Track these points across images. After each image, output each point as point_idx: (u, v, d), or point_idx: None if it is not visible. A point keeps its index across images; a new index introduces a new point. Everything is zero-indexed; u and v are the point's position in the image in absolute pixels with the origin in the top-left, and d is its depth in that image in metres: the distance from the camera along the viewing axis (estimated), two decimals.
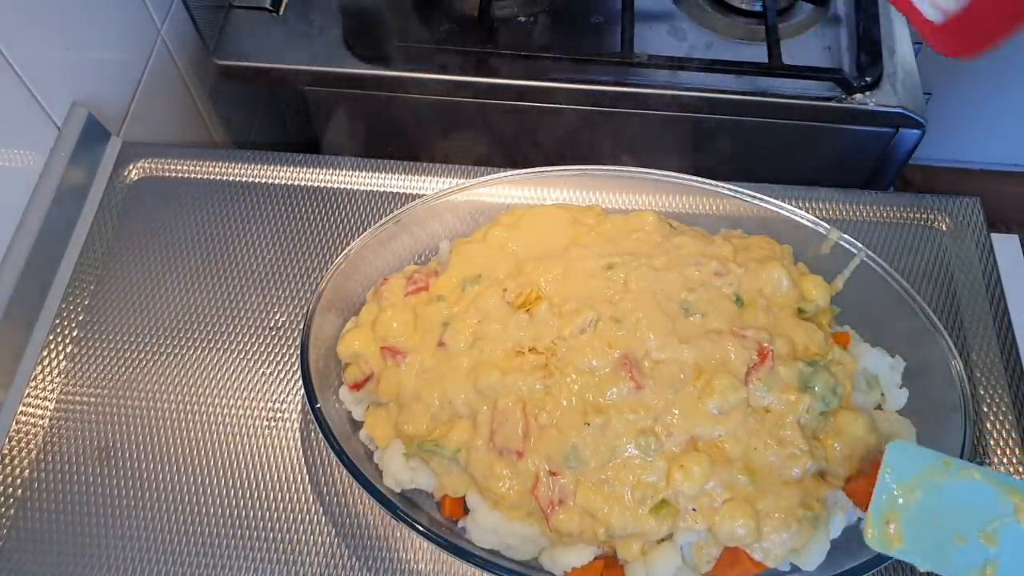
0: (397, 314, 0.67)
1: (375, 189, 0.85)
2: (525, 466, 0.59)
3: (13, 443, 0.70)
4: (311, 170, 0.86)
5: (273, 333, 0.76)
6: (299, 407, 0.72)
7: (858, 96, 0.95)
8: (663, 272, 0.65)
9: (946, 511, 0.53)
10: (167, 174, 0.86)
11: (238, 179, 0.85)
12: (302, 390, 0.66)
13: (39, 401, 0.72)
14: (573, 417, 0.59)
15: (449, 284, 0.67)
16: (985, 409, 0.71)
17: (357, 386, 0.67)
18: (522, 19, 1.04)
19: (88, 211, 0.82)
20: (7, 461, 0.69)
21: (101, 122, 0.84)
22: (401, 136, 1.10)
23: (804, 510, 0.57)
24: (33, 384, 0.73)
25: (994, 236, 0.80)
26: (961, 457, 0.58)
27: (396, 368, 0.64)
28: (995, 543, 0.52)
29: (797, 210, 0.71)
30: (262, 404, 0.72)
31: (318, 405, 0.63)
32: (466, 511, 0.62)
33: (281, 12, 1.04)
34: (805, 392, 0.60)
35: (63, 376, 0.74)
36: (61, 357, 0.75)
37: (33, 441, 0.70)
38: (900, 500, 0.53)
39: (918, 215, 0.82)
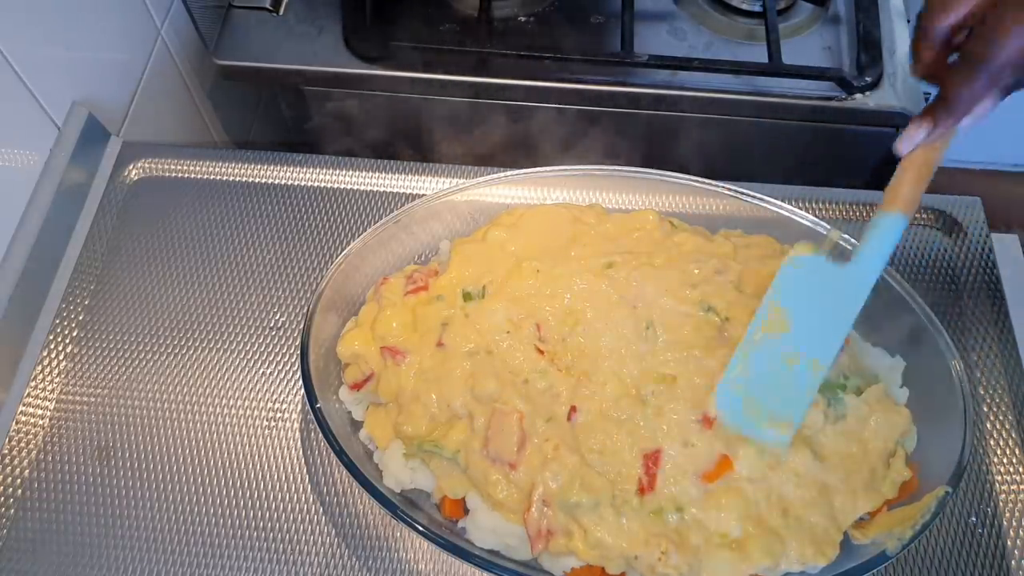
0: (397, 314, 0.67)
1: (375, 189, 0.85)
2: (519, 476, 0.59)
3: (13, 443, 0.70)
4: (311, 170, 0.86)
5: (273, 333, 0.76)
6: (299, 407, 0.72)
7: (858, 96, 0.95)
8: (663, 270, 0.65)
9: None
10: (167, 174, 0.86)
11: (238, 179, 0.85)
12: (302, 390, 0.66)
13: (39, 401, 0.72)
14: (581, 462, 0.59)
15: (449, 284, 0.67)
16: (985, 409, 0.71)
17: (357, 386, 0.67)
18: (522, 19, 1.04)
19: (88, 211, 0.82)
20: (7, 461, 0.69)
21: (101, 122, 0.84)
22: (401, 136, 1.09)
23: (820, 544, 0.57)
24: (33, 384, 0.73)
25: (994, 236, 0.80)
26: (961, 457, 0.58)
27: (396, 368, 0.64)
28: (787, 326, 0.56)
29: (797, 210, 0.71)
30: (262, 404, 0.72)
31: (318, 405, 0.63)
32: (466, 511, 0.62)
33: (281, 12, 1.04)
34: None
35: (63, 376, 0.74)
36: (61, 357, 0.75)
37: (33, 441, 0.70)
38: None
39: (918, 215, 0.82)
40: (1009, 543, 0.65)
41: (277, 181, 0.85)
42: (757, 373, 0.56)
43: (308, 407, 0.63)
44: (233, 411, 0.72)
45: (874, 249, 0.55)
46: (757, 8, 1.02)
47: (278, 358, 0.75)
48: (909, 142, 0.52)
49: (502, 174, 0.74)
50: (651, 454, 0.58)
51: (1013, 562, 0.65)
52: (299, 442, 0.71)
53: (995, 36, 0.46)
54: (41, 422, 0.71)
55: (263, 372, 0.74)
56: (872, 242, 0.55)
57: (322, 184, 0.85)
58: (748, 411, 0.56)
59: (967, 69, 0.48)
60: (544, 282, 0.65)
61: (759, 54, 0.97)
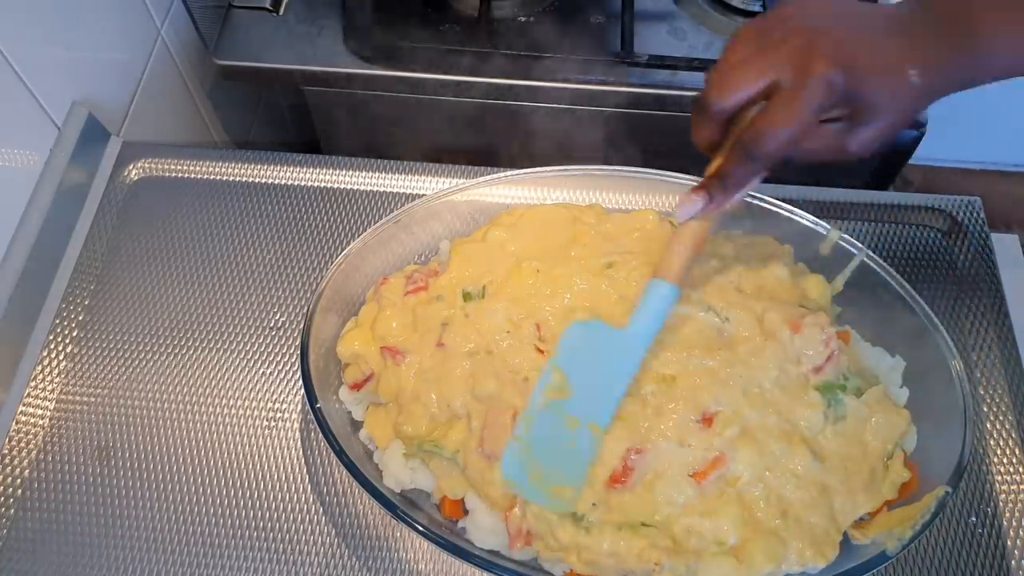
0: (396, 314, 0.67)
1: (375, 189, 0.85)
2: None
3: (13, 443, 0.70)
4: (311, 170, 0.86)
5: (273, 333, 0.76)
6: (299, 407, 0.72)
7: None
8: None
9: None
10: (167, 174, 0.86)
11: (238, 179, 0.85)
12: (302, 390, 0.66)
13: (39, 401, 0.72)
14: None
15: (449, 284, 0.67)
16: (985, 409, 0.71)
17: (357, 386, 0.67)
18: (522, 19, 1.04)
19: (88, 211, 0.82)
20: (7, 461, 0.69)
21: (101, 122, 0.84)
22: (401, 136, 1.09)
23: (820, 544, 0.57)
24: (33, 384, 0.73)
25: (994, 236, 0.80)
26: (961, 457, 0.58)
27: (396, 368, 0.64)
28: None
29: (797, 210, 0.71)
30: (262, 404, 0.72)
31: (318, 405, 0.63)
32: (466, 511, 0.62)
33: (281, 12, 1.04)
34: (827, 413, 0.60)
35: (63, 376, 0.74)
36: (61, 357, 0.75)
37: (33, 441, 0.70)
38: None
39: (918, 215, 0.82)
40: (1009, 543, 0.65)
41: (277, 181, 0.85)
42: (541, 437, 0.57)
43: (308, 407, 0.63)
44: (233, 411, 0.72)
45: (648, 315, 0.58)
46: (757, 8, 1.02)
47: (278, 358, 0.75)
48: (686, 212, 0.55)
49: (502, 174, 0.74)
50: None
51: (1013, 562, 0.65)
52: (299, 442, 0.71)
53: (768, 129, 0.48)
54: (41, 422, 0.71)
55: (263, 372, 0.74)
56: (646, 308, 0.58)
57: (322, 184, 0.85)
58: (533, 476, 0.56)
59: (742, 154, 0.50)
60: (544, 282, 0.65)
61: None
